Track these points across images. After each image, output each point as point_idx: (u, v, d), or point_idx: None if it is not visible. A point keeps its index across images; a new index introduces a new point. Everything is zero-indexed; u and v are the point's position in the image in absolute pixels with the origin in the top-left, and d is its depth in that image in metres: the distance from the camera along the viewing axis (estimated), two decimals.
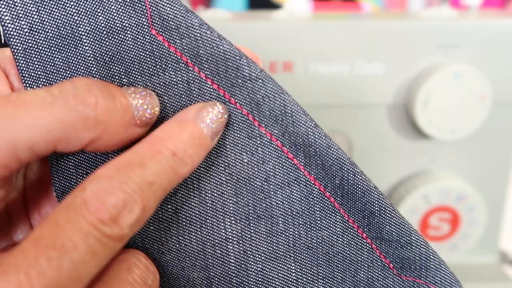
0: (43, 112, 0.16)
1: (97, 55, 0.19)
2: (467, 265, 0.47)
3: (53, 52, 0.19)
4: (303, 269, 0.21)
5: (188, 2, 0.46)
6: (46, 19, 0.19)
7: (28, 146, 0.16)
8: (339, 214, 0.21)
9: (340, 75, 0.40)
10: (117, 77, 0.20)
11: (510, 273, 0.46)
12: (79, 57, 0.19)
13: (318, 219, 0.21)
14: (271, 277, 0.21)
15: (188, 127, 0.18)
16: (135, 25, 0.19)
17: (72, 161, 0.20)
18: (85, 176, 0.20)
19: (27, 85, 0.19)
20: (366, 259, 0.21)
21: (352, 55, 0.40)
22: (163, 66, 0.19)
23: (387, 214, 0.20)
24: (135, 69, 0.19)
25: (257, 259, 0.21)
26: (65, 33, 0.19)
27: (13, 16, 0.18)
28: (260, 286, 0.21)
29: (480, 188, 0.44)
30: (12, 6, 0.18)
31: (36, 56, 0.19)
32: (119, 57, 0.19)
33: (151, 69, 0.19)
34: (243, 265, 0.21)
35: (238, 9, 0.79)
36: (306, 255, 0.21)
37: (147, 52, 0.19)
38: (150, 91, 0.19)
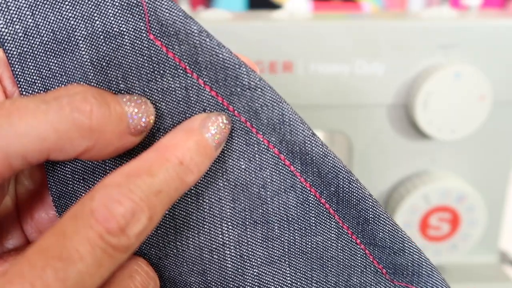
0: (37, 120, 0.16)
1: (94, 60, 0.19)
2: (467, 265, 0.47)
3: (49, 56, 0.19)
4: (298, 273, 0.22)
5: (188, 2, 0.46)
6: (41, 23, 0.18)
7: (21, 154, 0.16)
8: (334, 220, 0.21)
9: (340, 75, 0.40)
10: (114, 83, 0.19)
11: (510, 273, 0.46)
12: (75, 62, 0.19)
13: (313, 224, 0.21)
14: (267, 281, 0.21)
15: (194, 136, 0.18)
16: (132, 30, 0.19)
17: (69, 167, 0.20)
18: (81, 181, 0.20)
19: (23, 90, 0.19)
20: (359, 264, 0.22)
21: (352, 55, 0.40)
22: (161, 71, 0.19)
23: (381, 221, 0.21)
24: (132, 75, 0.19)
25: (254, 263, 0.21)
26: (61, 37, 0.19)
27: (7, 20, 0.18)
28: None
29: (480, 188, 0.44)
30: (6, 9, 0.18)
31: (32, 60, 0.19)
32: (117, 62, 0.19)
33: (149, 75, 0.19)
34: (239, 270, 0.21)
35: (238, 9, 0.79)
36: (301, 260, 0.22)
37: (145, 57, 0.19)
38: (145, 99, 0.19)
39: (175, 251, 0.21)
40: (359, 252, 0.22)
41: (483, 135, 0.42)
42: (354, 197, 0.20)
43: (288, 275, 0.22)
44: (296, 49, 0.40)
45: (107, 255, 0.15)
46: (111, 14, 0.18)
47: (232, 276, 0.21)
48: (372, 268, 0.22)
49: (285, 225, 0.21)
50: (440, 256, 0.45)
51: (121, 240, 0.15)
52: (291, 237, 0.21)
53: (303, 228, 0.21)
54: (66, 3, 0.18)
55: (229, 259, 0.21)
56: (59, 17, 0.18)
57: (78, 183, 0.20)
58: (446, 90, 0.39)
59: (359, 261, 0.22)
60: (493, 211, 0.45)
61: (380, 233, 0.21)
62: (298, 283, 0.22)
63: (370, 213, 0.21)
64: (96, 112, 0.17)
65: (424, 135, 0.42)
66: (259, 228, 0.21)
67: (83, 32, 0.19)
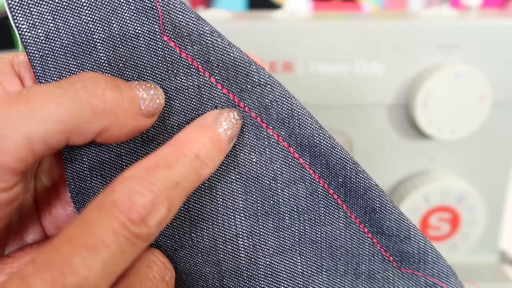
0: (54, 105, 0.16)
1: (111, 61, 0.20)
2: (467, 265, 0.47)
3: (69, 58, 0.20)
4: (308, 262, 0.22)
5: (188, 2, 0.46)
6: (61, 27, 0.19)
7: (42, 138, 0.16)
8: (342, 210, 0.22)
9: (340, 75, 0.40)
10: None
11: (510, 273, 0.46)
12: (93, 63, 0.20)
13: (322, 215, 0.22)
14: (278, 270, 0.22)
15: (208, 132, 0.19)
16: (147, 32, 0.20)
17: (87, 163, 0.21)
18: (99, 177, 0.21)
19: None
20: (367, 253, 0.22)
21: (352, 55, 0.40)
22: (175, 71, 0.20)
23: (388, 210, 0.22)
24: (147, 74, 0.20)
25: (266, 253, 0.22)
26: (80, 40, 0.19)
27: (30, 25, 0.19)
28: (269, 278, 0.22)
29: (480, 188, 0.44)
30: (29, 14, 0.19)
31: (52, 62, 0.19)
32: (132, 63, 0.20)
33: (163, 74, 0.20)
34: (252, 259, 0.22)
35: (238, 9, 0.79)
36: (311, 249, 0.22)
37: (159, 58, 0.20)
38: (154, 84, 0.20)
39: (190, 242, 0.22)
40: (366, 241, 0.22)
41: (483, 135, 0.42)
42: (361, 187, 0.21)
43: (299, 264, 0.22)
44: (296, 49, 0.40)
45: (129, 243, 0.16)
46: (127, 17, 0.19)
47: (246, 266, 0.22)
48: (379, 256, 0.22)
49: (295, 216, 0.22)
50: None
51: (143, 229, 0.16)
52: (301, 227, 0.22)
53: (313, 218, 0.22)
54: (85, 8, 0.19)
55: (242, 249, 0.22)
56: (78, 21, 0.19)
57: (96, 179, 0.21)
58: (446, 90, 0.39)
59: (367, 250, 0.22)
60: (493, 211, 0.45)
61: (387, 222, 0.22)
62: (309, 272, 0.22)
63: (377, 202, 0.21)
64: (108, 95, 0.18)
65: (424, 135, 0.42)
66: (271, 219, 0.22)
67: (101, 35, 0.19)
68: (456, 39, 0.39)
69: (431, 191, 0.42)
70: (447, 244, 0.45)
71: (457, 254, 0.45)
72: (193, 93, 0.20)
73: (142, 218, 0.16)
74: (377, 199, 0.21)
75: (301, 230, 0.22)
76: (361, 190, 0.21)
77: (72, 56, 0.19)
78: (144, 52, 0.20)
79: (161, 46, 0.20)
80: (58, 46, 0.19)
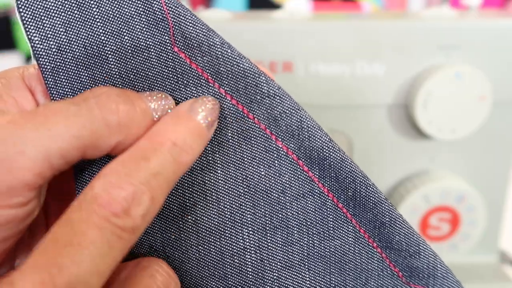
0: (70, 121, 0.17)
1: (122, 72, 0.20)
2: (467, 265, 0.47)
3: (80, 70, 0.20)
4: (317, 277, 0.22)
5: (188, 2, 0.46)
6: (73, 39, 0.19)
7: (60, 153, 0.16)
8: (351, 225, 0.22)
9: (341, 76, 0.40)
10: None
11: (510, 273, 0.46)
12: (105, 75, 0.20)
13: (331, 229, 0.22)
14: (286, 285, 0.22)
15: (184, 120, 0.19)
16: (158, 43, 0.20)
17: (96, 172, 0.20)
18: None
19: None
20: (376, 268, 0.22)
21: (352, 56, 0.40)
22: (185, 81, 0.20)
23: (397, 225, 0.21)
24: (158, 85, 0.20)
25: (273, 267, 0.22)
26: (92, 52, 0.19)
27: (42, 37, 0.19)
28: None
29: (480, 188, 0.44)
30: (41, 27, 0.19)
31: (64, 74, 0.19)
32: (144, 74, 0.20)
33: (173, 85, 0.20)
34: (260, 274, 0.22)
35: (238, 9, 0.79)
36: (320, 264, 0.22)
37: (170, 69, 0.20)
38: (165, 94, 0.20)
39: (197, 255, 0.21)
40: (376, 256, 0.22)
41: (483, 135, 0.42)
42: (371, 201, 0.21)
43: (307, 279, 0.22)
44: (296, 49, 0.40)
45: (116, 237, 0.16)
46: (138, 30, 0.19)
47: (253, 280, 0.22)
48: (388, 271, 0.22)
49: (304, 230, 0.22)
50: (440, 256, 0.45)
51: (126, 221, 0.16)
52: (310, 242, 0.22)
53: (322, 233, 0.22)
54: (98, 20, 0.19)
55: (249, 263, 0.21)
56: (90, 33, 0.19)
57: None
58: (446, 90, 0.39)
59: (376, 265, 0.22)
60: (493, 211, 0.45)
61: (396, 237, 0.21)
62: (317, 287, 0.22)
63: (387, 217, 0.21)
64: (122, 109, 0.18)
65: (424, 135, 0.42)
66: (279, 233, 0.22)
67: (112, 47, 0.20)
68: (457, 40, 0.39)
69: (431, 191, 0.42)
70: (447, 244, 0.45)
71: (457, 254, 0.45)
72: None
73: (124, 210, 0.16)
74: (387, 213, 0.21)
75: (310, 245, 0.22)
76: (371, 204, 0.21)
77: (84, 68, 0.20)
78: (155, 63, 0.20)
79: (171, 57, 0.20)
80: (70, 58, 0.19)
